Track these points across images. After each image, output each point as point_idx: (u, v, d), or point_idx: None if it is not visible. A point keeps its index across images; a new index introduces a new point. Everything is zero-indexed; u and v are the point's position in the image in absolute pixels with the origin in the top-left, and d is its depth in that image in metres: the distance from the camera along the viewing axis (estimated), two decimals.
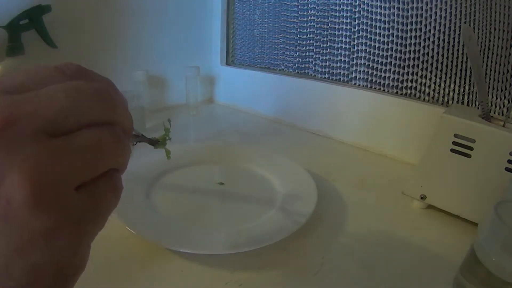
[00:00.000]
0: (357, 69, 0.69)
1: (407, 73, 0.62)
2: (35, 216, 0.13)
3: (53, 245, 0.14)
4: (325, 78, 0.75)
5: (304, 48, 0.78)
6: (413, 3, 0.58)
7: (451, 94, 0.58)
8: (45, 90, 0.14)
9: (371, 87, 0.68)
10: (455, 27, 0.55)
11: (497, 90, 0.52)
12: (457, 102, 0.57)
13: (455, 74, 0.56)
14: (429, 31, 0.58)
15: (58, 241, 0.14)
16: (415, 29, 0.59)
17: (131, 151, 0.17)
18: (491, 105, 0.53)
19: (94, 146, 0.15)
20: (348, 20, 0.68)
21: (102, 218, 0.16)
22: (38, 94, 0.14)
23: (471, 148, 0.41)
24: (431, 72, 0.59)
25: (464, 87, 0.56)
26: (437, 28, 0.57)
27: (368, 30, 0.65)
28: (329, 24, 0.72)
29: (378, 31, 0.64)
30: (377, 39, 0.64)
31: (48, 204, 0.13)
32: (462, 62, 0.56)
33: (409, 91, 0.62)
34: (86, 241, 0.15)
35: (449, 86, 0.58)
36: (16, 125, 0.13)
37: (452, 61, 0.56)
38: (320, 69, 0.76)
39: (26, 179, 0.12)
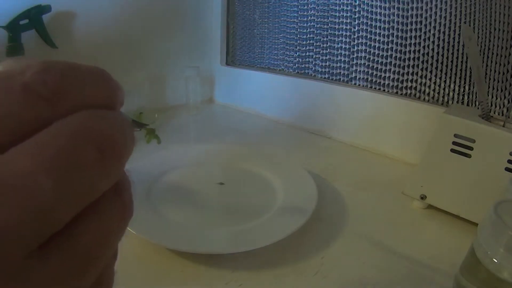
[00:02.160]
0: (357, 69, 0.69)
1: (407, 73, 0.62)
2: None
3: None
4: (325, 78, 0.75)
5: (304, 48, 0.78)
6: (413, 3, 0.58)
7: (451, 94, 0.58)
8: (14, 171, 0.08)
9: (371, 87, 0.68)
10: (455, 27, 0.55)
11: (497, 90, 0.52)
12: (457, 102, 0.57)
13: (455, 74, 0.56)
14: (429, 31, 0.58)
15: None
16: (415, 29, 0.59)
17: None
18: (491, 105, 0.53)
19: (100, 245, 0.10)
20: (348, 20, 0.68)
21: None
22: (2, 183, 0.08)
23: (471, 148, 0.41)
24: (431, 72, 0.59)
25: (464, 87, 0.56)
26: (437, 28, 0.57)
27: (368, 30, 0.65)
28: (329, 24, 0.72)
29: (378, 31, 0.64)
30: (377, 39, 0.64)
31: None
32: (462, 62, 0.56)
33: (409, 91, 0.62)
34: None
35: (449, 86, 0.58)
36: None
37: (452, 61, 0.56)
38: (320, 69, 0.76)
39: None
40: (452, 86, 0.57)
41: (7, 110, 0.09)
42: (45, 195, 0.08)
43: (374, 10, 0.64)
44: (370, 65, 0.67)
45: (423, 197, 0.45)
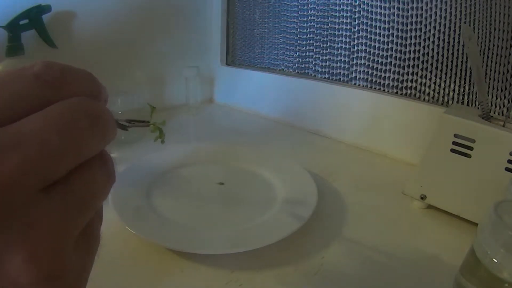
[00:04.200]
0: (357, 69, 0.69)
1: (407, 73, 0.62)
2: None
3: None
4: (325, 78, 0.75)
5: (304, 48, 0.78)
6: (413, 3, 0.58)
7: (451, 94, 0.58)
8: (30, 128, 0.11)
9: (371, 87, 0.68)
10: (455, 27, 0.55)
11: (497, 90, 0.52)
12: (457, 102, 0.57)
13: (455, 74, 0.57)
14: (429, 31, 0.58)
15: None
16: (415, 29, 0.59)
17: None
18: (491, 105, 0.53)
19: (92, 192, 0.13)
20: (348, 20, 0.68)
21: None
22: (22, 135, 0.11)
23: (471, 148, 0.41)
24: (431, 72, 0.59)
25: (464, 87, 0.56)
26: (437, 28, 0.57)
27: (368, 30, 0.65)
28: (329, 24, 0.72)
29: (378, 31, 0.64)
30: (377, 39, 0.64)
31: (56, 276, 0.12)
32: (462, 62, 0.56)
33: (409, 91, 0.62)
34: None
35: (449, 86, 0.58)
36: (5, 189, 0.10)
37: (452, 61, 0.56)
38: (320, 69, 0.76)
39: (33, 261, 0.11)
40: (452, 86, 0.57)
41: (22, 92, 0.12)
42: (53, 145, 0.11)
43: (374, 10, 0.64)
44: (370, 65, 0.67)
45: (423, 197, 0.45)
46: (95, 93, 0.15)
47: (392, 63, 0.63)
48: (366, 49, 0.66)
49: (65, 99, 0.13)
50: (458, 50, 0.56)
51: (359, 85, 0.69)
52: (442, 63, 0.57)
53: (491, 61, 0.52)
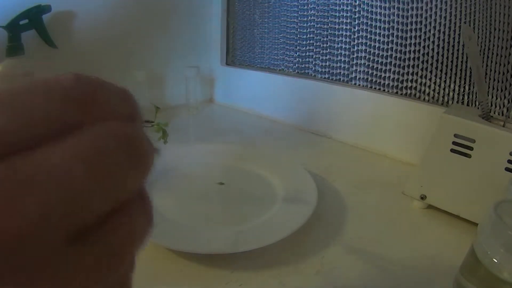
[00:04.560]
0: (357, 69, 0.69)
1: (407, 73, 0.62)
2: None
3: None
4: (325, 78, 0.75)
5: (304, 48, 0.78)
6: (413, 3, 0.58)
7: (451, 94, 0.58)
8: (54, 161, 0.09)
9: (371, 87, 0.68)
10: (455, 27, 0.55)
11: (497, 90, 0.52)
12: (457, 102, 0.57)
13: (455, 74, 0.56)
14: (429, 31, 0.58)
15: None
16: (415, 29, 0.59)
17: None
18: (491, 105, 0.53)
19: (129, 240, 0.11)
20: (348, 20, 0.68)
21: None
22: (42, 169, 0.09)
23: (471, 148, 0.41)
24: (431, 72, 0.59)
25: (464, 87, 0.56)
26: (437, 28, 0.57)
27: (368, 30, 0.65)
28: (329, 24, 0.72)
29: (378, 31, 0.64)
30: (377, 39, 0.64)
31: None
32: (462, 62, 0.56)
33: (409, 91, 0.62)
34: None
35: (449, 86, 0.58)
36: (24, 241, 0.08)
37: (452, 61, 0.56)
38: (320, 69, 0.76)
39: None
40: (452, 86, 0.57)
41: (47, 110, 0.10)
42: (80, 184, 0.09)
43: (374, 10, 0.64)
44: (370, 65, 0.67)
45: (423, 197, 0.45)
46: (132, 114, 0.12)
47: (392, 63, 0.63)
48: (366, 49, 0.66)
49: (97, 121, 0.10)
50: (458, 50, 0.55)
51: (359, 85, 0.69)
52: (442, 63, 0.57)
53: (491, 61, 0.52)
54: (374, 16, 0.64)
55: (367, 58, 0.67)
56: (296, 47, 0.80)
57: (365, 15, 0.65)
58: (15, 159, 0.09)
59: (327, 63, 0.74)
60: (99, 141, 0.10)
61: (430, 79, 0.59)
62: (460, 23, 0.54)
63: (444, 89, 0.58)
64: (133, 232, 0.11)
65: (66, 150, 0.09)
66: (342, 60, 0.71)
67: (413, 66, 0.61)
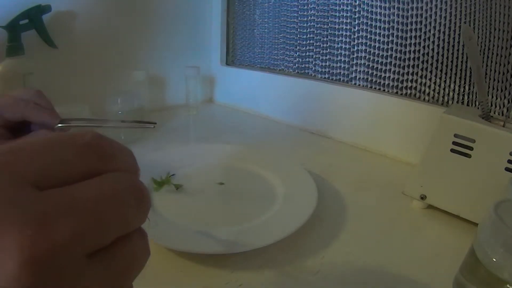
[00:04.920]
0: (357, 69, 0.69)
1: (407, 73, 0.62)
2: None
3: None
4: (325, 78, 0.75)
5: (304, 48, 0.78)
6: (413, 3, 0.58)
7: (451, 94, 0.58)
8: (84, 195, 0.12)
9: (371, 87, 0.68)
10: (455, 27, 0.55)
11: (497, 90, 0.52)
12: (457, 102, 0.57)
13: (455, 74, 0.57)
14: (429, 31, 0.58)
15: None
16: (415, 29, 0.59)
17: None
18: (491, 105, 0.53)
19: (133, 262, 0.14)
20: (348, 20, 0.68)
21: None
22: (75, 201, 0.11)
23: (471, 148, 0.41)
24: (431, 72, 0.59)
25: (464, 87, 0.56)
26: (437, 28, 0.57)
27: (368, 30, 0.65)
28: (329, 24, 0.72)
29: (378, 31, 0.64)
30: (377, 39, 0.65)
31: None
32: (462, 62, 0.56)
33: (409, 91, 0.62)
34: None
35: (449, 86, 0.58)
36: (56, 255, 0.10)
37: (452, 61, 0.56)
38: (320, 69, 0.76)
39: None
40: (452, 86, 0.57)
41: (74, 158, 0.13)
42: (104, 215, 0.12)
43: (374, 10, 0.64)
44: (370, 65, 0.67)
45: (423, 197, 0.45)
46: (135, 170, 0.15)
47: (392, 63, 0.63)
48: (366, 49, 0.66)
49: (111, 171, 0.13)
50: (458, 50, 0.56)
51: (359, 85, 0.69)
52: (442, 63, 0.57)
53: (491, 61, 0.52)
54: (374, 16, 0.64)
55: (367, 58, 0.67)
56: (296, 47, 0.80)
57: (365, 15, 0.65)
58: (55, 191, 0.11)
59: (327, 63, 0.74)
60: (117, 186, 0.13)
61: (430, 79, 0.59)
62: (460, 23, 0.54)
63: (444, 89, 0.58)
64: (134, 254, 0.14)
65: (93, 189, 0.12)
66: (342, 60, 0.71)
67: (413, 66, 0.61)
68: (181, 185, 0.48)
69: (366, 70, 0.68)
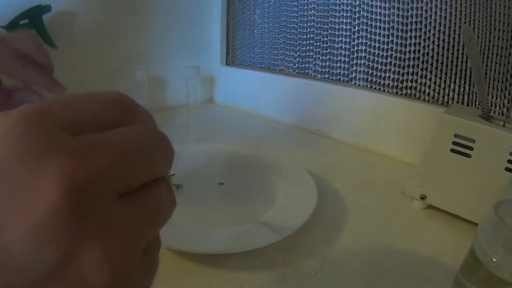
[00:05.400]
0: (357, 69, 0.69)
1: (407, 73, 0.62)
2: None
3: None
4: (325, 78, 0.75)
5: (304, 48, 0.78)
6: (413, 3, 0.58)
7: (451, 94, 0.58)
8: (114, 138, 0.13)
9: (371, 87, 0.68)
10: (455, 27, 0.55)
11: (497, 90, 0.52)
12: (457, 102, 0.57)
13: (455, 74, 0.57)
14: (429, 31, 0.58)
15: None
16: (415, 29, 0.59)
17: None
18: (491, 105, 0.53)
19: (160, 209, 0.14)
20: (348, 20, 0.68)
21: None
22: (107, 142, 0.12)
23: (471, 148, 0.41)
24: (431, 72, 0.59)
25: (464, 87, 0.56)
26: (437, 28, 0.57)
27: (368, 30, 0.65)
28: (329, 24, 0.72)
29: (378, 31, 0.64)
30: (377, 39, 0.65)
31: (123, 282, 0.12)
32: (462, 62, 0.56)
33: (409, 91, 0.62)
34: None
35: (449, 86, 0.58)
36: (92, 186, 0.11)
37: (452, 61, 0.56)
38: (320, 69, 0.76)
39: (108, 261, 0.11)
40: (452, 86, 0.57)
41: (103, 110, 0.14)
42: (133, 155, 0.13)
43: (374, 10, 0.64)
44: (370, 65, 0.67)
45: (423, 197, 0.45)
46: (152, 119, 0.16)
47: (392, 63, 0.63)
48: (366, 49, 0.66)
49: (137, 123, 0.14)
50: (458, 50, 0.56)
51: (359, 85, 0.69)
52: (442, 63, 0.57)
53: (491, 61, 0.52)
54: (374, 16, 0.64)
55: (367, 58, 0.67)
56: (296, 47, 0.80)
57: (365, 15, 0.65)
58: (87, 135, 0.12)
59: (327, 63, 0.74)
60: (142, 132, 0.14)
61: (430, 79, 0.59)
62: (460, 23, 0.54)
63: (444, 89, 0.58)
64: (161, 199, 0.14)
65: (123, 133, 0.13)
66: (342, 60, 0.71)
67: (413, 66, 0.61)
68: (181, 185, 0.48)
69: (366, 70, 0.68)
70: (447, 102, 0.58)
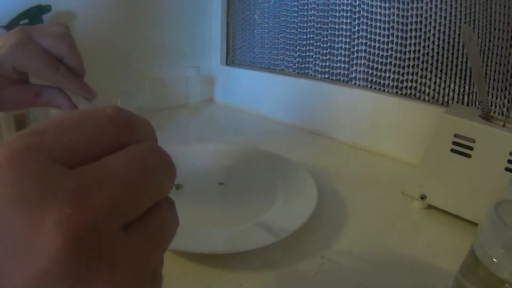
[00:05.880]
0: (357, 69, 0.69)
1: (407, 73, 0.62)
2: None
3: None
4: (325, 78, 0.75)
5: (304, 48, 0.78)
6: (413, 3, 0.58)
7: (451, 94, 0.58)
8: (114, 167, 0.12)
9: (371, 87, 0.68)
10: (455, 27, 0.55)
11: (497, 90, 0.52)
12: (457, 102, 0.57)
13: (455, 74, 0.57)
14: (429, 31, 0.58)
15: None
16: (415, 29, 0.59)
17: None
18: (491, 105, 0.53)
19: (165, 231, 0.14)
20: (348, 20, 0.68)
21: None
22: (107, 174, 0.12)
23: (471, 148, 0.41)
24: (431, 72, 0.59)
25: (464, 87, 0.56)
26: (437, 28, 0.57)
27: (368, 30, 0.65)
28: (329, 24, 0.72)
29: (378, 31, 0.64)
30: (377, 39, 0.65)
31: None
32: (462, 62, 0.56)
33: (409, 91, 0.62)
34: None
35: (449, 86, 0.58)
36: (94, 229, 0.11)
37: (452, 61, 0.56)
38: (320, 69, 0.76)
39: None
40: (452, 86, 0.57)
41: (99, 132, 0.13)
42: (135, 185, 0.12)
43: (374, 10, 0.64)
44: (370, 65, 0.67)
45: (423, 197, 0.45)
46: (155, 138, 0.15)
47: (392, 63, 0.63)
48: (366, 49, 0.66)
49: (136, 142, 0.14)
50: (458, 50, 0.56)
51: (359, 85, 0.69)
52: (442, 63, 0.57)
53: (491, 61, 0.52)
54: (374, 16, 0.64)
55: (367, 58, 0.67)
56: (296, 47, 0.80)
57: (365, 15, 0.65)
58: (85, 167, 0.11)
59: (327, 63, 0.74)
60: (144, 154, 0.13)
61: (430, 79, 0.59)
62: (460, 23, 0.54)
63: (444, 89, 0.58)
64: (165, 221, 0.14)
65: (123, 160, 0.12)
66: (342, 60, 0.71)
67: (413, 66, 0.61)
68: (181, 185, 0.48)
69: (366, 70, 0.68)
70: (447, 102, 0.58)
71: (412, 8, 0.59)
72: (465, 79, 0.56)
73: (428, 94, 0.60)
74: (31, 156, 0.11)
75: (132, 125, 0.14)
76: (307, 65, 0.79)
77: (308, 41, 0.77)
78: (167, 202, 0.14)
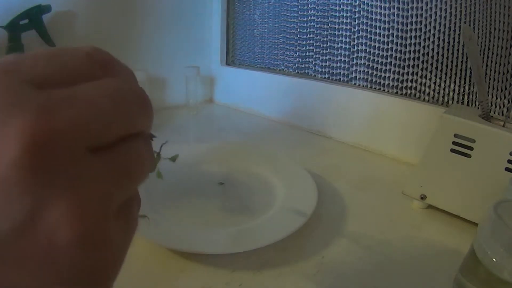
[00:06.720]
0: (357, 69, 0.69)
1: (407, 73, 0.62)
2: (84, 257, 0.11)
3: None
4: (325, 78, 0.75)
5: (304, 48, 0.78)
6: (413, 3, 0.58)
7: (451, 94, 0.58)
8: (85, 92, 0.12)
9: (371, 87, 0.68)
10: (455, 27, 0.55)
11: (497, 90, 0.52)
12: (457, 102, 0.57)
13: (455, 74, 0.57)
14: (429, 31, 0.58)
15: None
16: (415, 29, 0.59)
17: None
18: (491, 105, 0.53)
19: (137, 163, 0.14)
20: (348, 20, 0.68)
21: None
22: (77, 96, 0.12)
23: (471, 148, 0.41)
24: (431, 72, 0.59)
25: (464, 87, 0.56)
26: (437, 28, 0.57)
27: (368, 30, 0.65)
28: (329, 24, 0.72)
29: (378, 31, 0.64)
30: (377, 39, 0.65)
31: (94, 241, 0.12)
32: (462, 62, 0.56)
33: (409, 91, 0.62)
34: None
35: (449, 86, 0.58)
36: (57, 141, 0.11)
37: (452, 61, 0.56)
38: (320, 69, 0.76)
39: (76, 217, 0.11)
40: (452, 86, 0.57)
41: (76, 64, 0.13)
42: (105, 108, 0.12)
43: (374, 10, 0.64)
44: (370, 65, 0.67)
45: (423, 197, 0.45)
46: (135, 80, 0.16)
47: (392, 63, 0.63)
48: (366, 49, 0.66)
49: (114, 77, 0.14)
50: (458, 50, 0.56)
51: (359, 85, 0.69)
52: (442, 63, 0.57)
53: (491, 61, 0.52)
54: (374, 16, 0.64)
55: (367, 58, 0.67)
56: (296, 47, 0.80)
57: (365, 15, 0.65)
58: (56, 90, 0.11)
59: (327, 63, 0.74)
60: (119, 85, 0.13)
61: (430, 79, 0.59)
62: (460, 23, 0.54)
63: (444, 89, 0.58)
64: (139, 154, 0.14)
65: (94, 87, 0.12)
66: (342, 60, 0.71)
67: (413, 66, 0.61)
68: (178, 155, 0.46)
69: (366, 70, 0.68)
70: (447, 102, 0.58)
71: (412, 8, 0.59)
72: (465, 79, 0.56)
73: (428, 94, 0.60)
74: (5, 78, 0.11)
75: (109, 63, 0.14)
76: (307, 65, 0.79)
77: (308, 41, 0.77)
78: (143, 140, 0.14)
